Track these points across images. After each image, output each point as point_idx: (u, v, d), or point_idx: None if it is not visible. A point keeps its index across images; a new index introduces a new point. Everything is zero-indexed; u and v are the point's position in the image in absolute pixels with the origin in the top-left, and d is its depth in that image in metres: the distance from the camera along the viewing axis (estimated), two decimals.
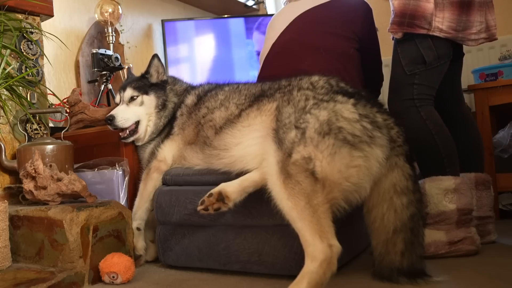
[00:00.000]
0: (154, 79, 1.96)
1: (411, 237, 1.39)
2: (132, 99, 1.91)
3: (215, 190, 1.47)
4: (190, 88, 2.00)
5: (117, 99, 1.96)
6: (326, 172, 1.31)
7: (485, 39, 1.79)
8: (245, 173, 1.52)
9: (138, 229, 1.78)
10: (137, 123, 1.90)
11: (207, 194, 1.47)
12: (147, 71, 1.97)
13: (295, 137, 1.38)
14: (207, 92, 1.89)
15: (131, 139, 1.91)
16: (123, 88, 1.94)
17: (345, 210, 1.38)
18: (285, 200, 1.33)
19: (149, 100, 1.92)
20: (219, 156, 1.65)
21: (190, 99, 1.91)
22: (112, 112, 1.88)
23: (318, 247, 1.26)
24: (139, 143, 1.95)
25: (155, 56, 1.98)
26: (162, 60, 3.16)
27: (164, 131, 1.93)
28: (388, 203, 1.41)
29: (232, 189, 1.46)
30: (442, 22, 1.71)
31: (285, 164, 1.35)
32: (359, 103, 1.43)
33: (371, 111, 1.43)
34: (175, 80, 2.04)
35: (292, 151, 1.36)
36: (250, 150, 1.54)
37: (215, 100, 1.80)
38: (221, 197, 1.45)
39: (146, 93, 1.92)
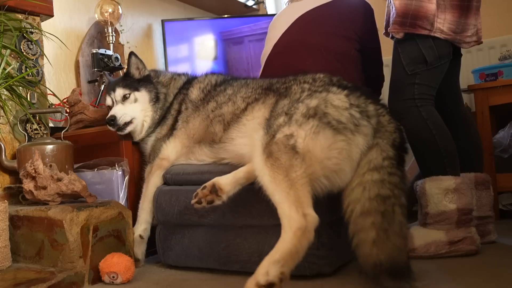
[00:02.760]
0: (136, 76, 1.96)
1: (382, 222, 1.28)
2: (125, 97, 1.90)
3: (209, 182, 1.48)
4: (187, 77, 2.02)
5: (108, 101, 1.94)
6: (308, 147, 1.33)
7: (475, 42, 1.81)
8: (243, 163, 1.53)
9: (141, 237, 1.78)
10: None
11: (201, 187, 1.48)
12: (128, 72, 1.96)
13: (282, 122, 1.41)
14: (214, 86, 1.90)
15: (127, 129, 1.89)
16: (112, 89, 1.92)
17: (326, 188, 1.37)
18: (266, 176, 1.35)
19: (142, 96, 1.92)
20: (224, 148, 1.68)
21: (194, 94, 1.92)
22: (112, 113, 1.87)
23: (293, 217, 1.27)
24: (137, 139, 1.95)
25: (131, 54, 1.96)
26: (162, 60, 3.20)
27: (164, 123, 1.93)
28: (359, 179, 1.36)
29: (226, 181, 1.47)
30: (443, 24, 1.72)
31: (269, 145, 1.39)
32: (353, 94, 1.44)
33: (364, 102, 1.43)
34: (157, 73, 2.05)
35: (276, 133, 1.40)
36: (249, 140, 1.56)
37: (223, 95, 1.81)
38: (215, 189, 1.46)
39: (137, 89, 1.92)
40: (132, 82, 1.93)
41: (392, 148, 1.39)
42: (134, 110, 1.90)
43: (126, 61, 2.83)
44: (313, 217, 1.28)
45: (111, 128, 1.88)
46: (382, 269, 1.26)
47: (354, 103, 1.41)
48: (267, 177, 1.35)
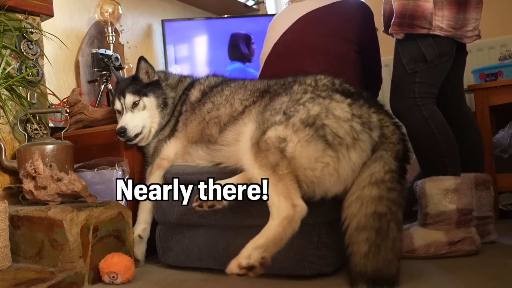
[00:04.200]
0: (145, 80, 1.94)
1: (376, 239, 1.31)
2: (134, 104, 1.89)
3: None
4: (192, 79, 2.02)
5: (117, 106, 1.93)
6: (296, 153, 1.35)
7: (477, 36, 1.80)
8: (241, 169, 1.52)
9: (140, 236, 1.77)
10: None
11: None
12: (136, 76, 1.94)
13: (278, 120, 1.41)
14: (212, 87, 1.89)
15: (136, 140, 1.90)
16: (122, 94, 1.90)
17: (307, 196, 1.38)
18: (256, 169, 1.38)
19: (150, 102, 1.91)
20: (220, 151, 1.67)
21: (194, 95, 1.91)
22: (122, 124, 1.85)
23: (282, 206, 1.29)
24: (143, 144, 1.94)
25: (141, 59, 1.93)
26: (162, 60, 3.20)
27: (167, 124, 1.93)
28: (359, 193, 1.36)
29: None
30: (442, 21, 1.71)
31: (259, 140, 1.40)
32: (356, 103, 1.43)
33: (367, 111, 1.42)
34: (166, 75, 2.03)
35: (268, 129, 1.40)
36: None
37: (220, 96, 1.81)
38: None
39: (145, 95, 1.90)
40: (141, 87, 1.91)
41: (395, 160, 1.39)
42: (143, 118, 1.89)
43: (125, 61, 2.85)
44: (302, 208, 1.30)
45: (121, 139, 1.87)
46: (365, 277, 1.30)
47: (356, 113, 1.40)
48: (256, 170, 1.37)
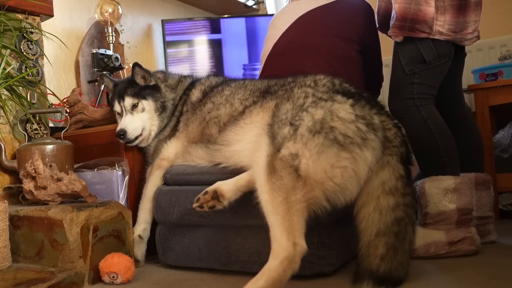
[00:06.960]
0: (142, 84, 1.93)
1: (394, 243, 1.33)
2: (134, 106, 1.89)
3: (211, 188, 1.48)
4: (192, 79, 2.01)
5: (117, 108, 1.93)
6: (310, 170, 1.31)
7: (476, 37, 1.80)
8: (240, 169, 1.52)
9: (140, 237, 1.77)
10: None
11: (202, 192, 1.49)
12: (133, 80, 1.93)
13: (287, 133, 1.38)
14: (213, 87, 1.89)
15: (136, 142, 1.90)
16: (121, 97, 1.90)
17: (327, 210, 1.36)
18: (264, 194, 1.33)
19: (148, 105, 1.90)
20: (220, 151, 1.66)
21: (195, 96, 1.91)
22: (121, 126, 1.85)
23: (283, 244, 1.26)
24: (143, 145, 1.94)
25: (135, 65, 1.91)
26: (162, 60, 3.20)
27: (168, 125, 1.93)
28: (375, 203, 1.36)
29: (227, 188, 1.47)
30: (443, 26, 1.71)
31: (273, 159, 1.36)
32: (358, 104, 1.42)
33: (369, 113, 1.41)
34: (166, 75, 2.02)
35: (281, 146, 1.36)
36: (248, 146, 1.55)
37: (220, 96, 1.80)
38: (216, 196, 1.46)
39: (144, 98, 1.90)
40: (139, 90, 1.91)
41: (401, 164, 1.40)
42: (142, 120, 1.89)
43: (125, 61, 2.85)
44: (302, 247, 1.27)
45: (120, 141, 1.87)
46: (373, 276, 1.30)
47: (359, 114, 1.38)
48: (265, 196, 1.33)
